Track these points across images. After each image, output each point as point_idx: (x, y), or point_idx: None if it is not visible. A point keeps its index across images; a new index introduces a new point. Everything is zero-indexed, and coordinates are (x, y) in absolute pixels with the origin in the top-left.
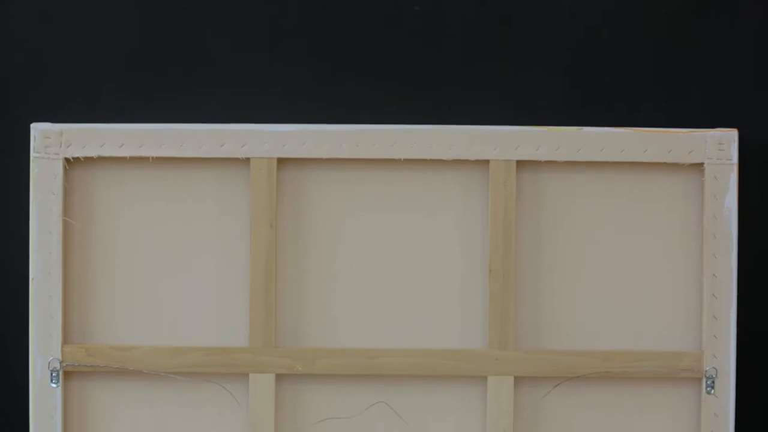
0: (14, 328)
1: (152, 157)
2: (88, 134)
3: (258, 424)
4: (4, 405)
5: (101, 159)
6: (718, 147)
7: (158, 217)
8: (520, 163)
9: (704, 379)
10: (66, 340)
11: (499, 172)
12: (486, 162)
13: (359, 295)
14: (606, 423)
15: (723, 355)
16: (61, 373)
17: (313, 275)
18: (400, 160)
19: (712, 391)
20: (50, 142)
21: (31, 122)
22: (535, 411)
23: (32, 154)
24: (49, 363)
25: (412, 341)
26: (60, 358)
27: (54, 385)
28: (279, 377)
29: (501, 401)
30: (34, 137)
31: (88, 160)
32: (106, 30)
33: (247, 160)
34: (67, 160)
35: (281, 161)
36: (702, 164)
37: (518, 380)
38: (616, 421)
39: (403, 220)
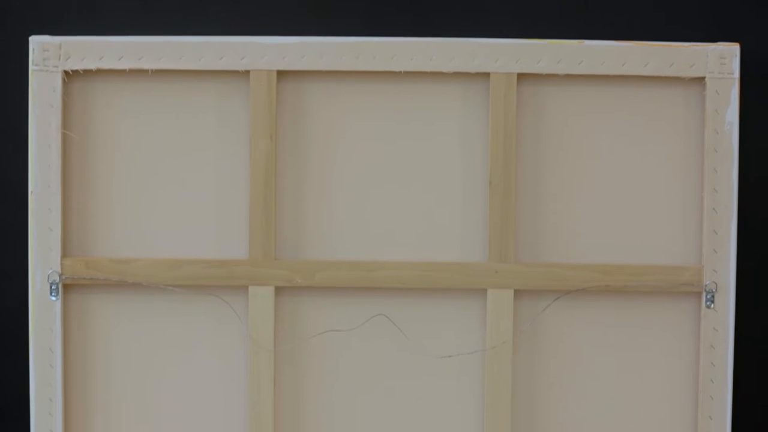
0: (14, 242)
1: (151, 70)
2: (87, 47)
3: (257, 336)
4: (3, 318)
5: (100, 71)
6: (720, 61)
7: (158, 130)
8: (521, 76)
9: (704, 294)
10: (65, 253)
11: (499, 85)
12: (487, 75)
13: (359, 208)
14: (605, 337)
15: (723, 270)
16: (60, 286)
17: (312, 188)
18: (400, 72)
19: (712, 306)
20: (49, 55)
21: (30, 35)
22: (534, 324)
23: (31, 67)
24: (48, 276)
25: (412, 254)
26: (59, 270)
27: (53, 298)
28: (278, 290)
29: (500, 314)
30: (33, 50)
31: (87, 73)
32: None
33: (247, 72)
34: (65, 72)
35: (281, 74)
36: (704, 78)
37: (518, 293)
38: (615, 335)
39: (403, 133)
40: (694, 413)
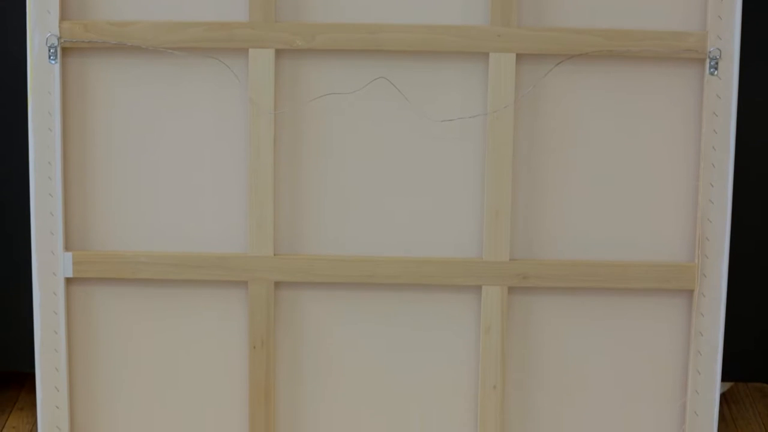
0: (11, 4)
1: None
2: None
3: (257, 99)
4: (2, 83)
5: None
6: None
7: None
8: None
9: (708, 60)
10: (64, 16)
11: None
12: None
13: None
14: (607, 102)
15: (727, 36)
16: (59, 49)
17: None
18: None
19: (716, 72)
20: None
21: None
22: (536, 89)
23: None
24: (46, 39)
25: (415, 17)
26: (58, 34)
27: (52, 62)
28: (279, 52)
29: (502, 78)
30: None
31: None
32: None
33: None
34: None
35: None
36: None
37: (520, 57)
38: (616, 101)
39: None
40: (695, 177)
